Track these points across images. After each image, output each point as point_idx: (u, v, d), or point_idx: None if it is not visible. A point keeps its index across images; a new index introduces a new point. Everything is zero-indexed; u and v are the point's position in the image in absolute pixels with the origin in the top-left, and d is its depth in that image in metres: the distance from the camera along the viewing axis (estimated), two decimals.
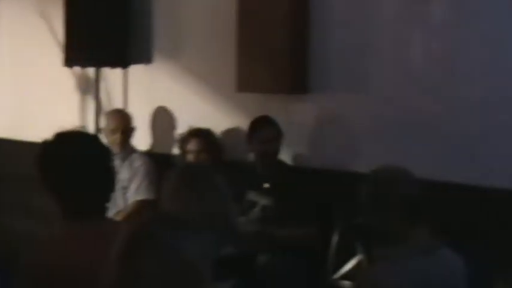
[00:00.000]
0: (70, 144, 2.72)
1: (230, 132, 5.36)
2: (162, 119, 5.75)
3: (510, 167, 4.17)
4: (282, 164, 4.91)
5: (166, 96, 5.71)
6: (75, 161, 2.66)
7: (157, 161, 5.39)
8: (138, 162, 5.37)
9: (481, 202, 4.22)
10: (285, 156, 4.97)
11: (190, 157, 5.11)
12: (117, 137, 5.35)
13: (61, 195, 2.68)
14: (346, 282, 4.60)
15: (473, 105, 4.31)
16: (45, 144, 2.73)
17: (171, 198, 2.90)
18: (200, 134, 5.19)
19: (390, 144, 4.60)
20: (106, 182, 2.77)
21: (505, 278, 1.73)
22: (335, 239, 4.68)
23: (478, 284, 3.08)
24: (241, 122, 5.19)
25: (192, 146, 5.13)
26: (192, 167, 4.20)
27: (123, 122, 5.42)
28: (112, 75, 5.93)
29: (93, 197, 2.70)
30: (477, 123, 4.31)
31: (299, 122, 5.03)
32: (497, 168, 4.22)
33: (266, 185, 4.79)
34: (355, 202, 3.04)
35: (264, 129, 4.81)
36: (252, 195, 4.80)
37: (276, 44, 4.89)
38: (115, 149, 5.33)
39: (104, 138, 5.48)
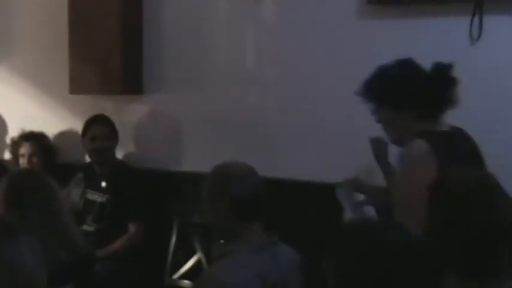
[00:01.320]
0: None
1: (63, 135, 5.26)
2: None
3: (340, 163, 4.26)
4: (118, 162, 4.90)
5: None
6: None
7: None
8: None
9: (312, 196, 4.33)
10: (120, 156, 4.96)
11: (22, 161, 5.06)
12: None
13: None
14: (186, 282, 4.62)
15: (305, 104, 4.41)
16: None
17: (1, 204, 2.82)
18: (32, 137, 5.12)
19: (226, 143, 4.64)
20: None
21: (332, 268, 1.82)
22: (173, 238, 4.69)
23: (312, 274, 3.17)
24: (75, 124, 5.12)
25: (24, 149, 5.07)
26: (24, 171, 4.12)
27: None
28: None
29: None
30: (308, 122, 4.41)
31: (133, 122, 5.01)
32: (326, 164, 4.33)
33: (103, 184, 4.75)
34: (192, 201, 3.05)
35: (94, 126, 4.83)
36: (90, 195, 4.76)
37: (107, 44, 4.84)
38: None
39: None
